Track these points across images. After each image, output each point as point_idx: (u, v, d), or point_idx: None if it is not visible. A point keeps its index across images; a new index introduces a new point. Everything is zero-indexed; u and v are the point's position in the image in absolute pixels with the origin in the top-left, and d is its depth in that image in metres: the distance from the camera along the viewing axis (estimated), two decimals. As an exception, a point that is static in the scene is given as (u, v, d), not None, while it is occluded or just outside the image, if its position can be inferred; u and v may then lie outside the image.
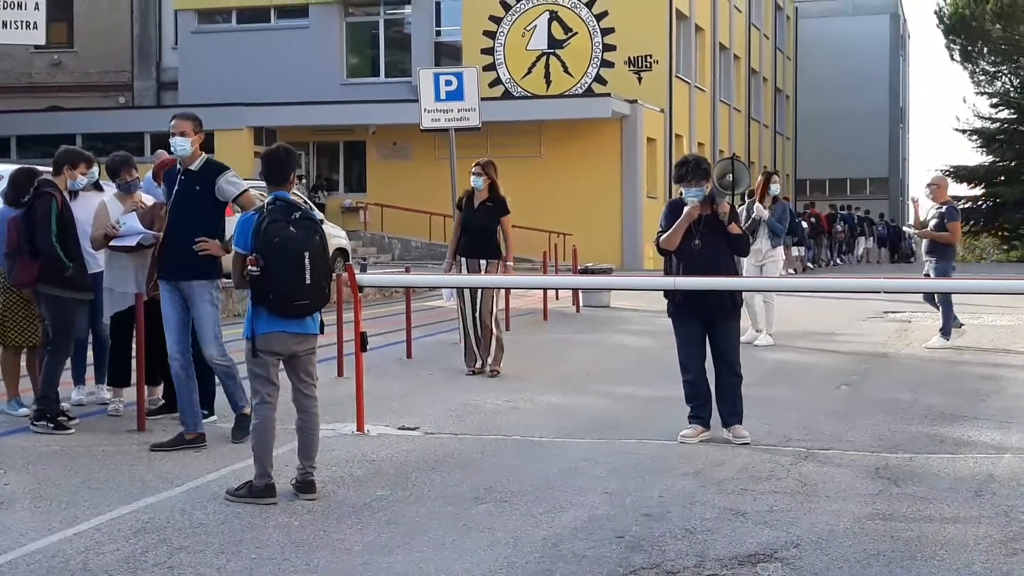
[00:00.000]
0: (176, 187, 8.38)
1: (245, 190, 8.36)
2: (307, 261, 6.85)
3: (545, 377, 12.26)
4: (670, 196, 35.75)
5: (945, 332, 14.49)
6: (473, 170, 12.25)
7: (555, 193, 33.97)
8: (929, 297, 14.64)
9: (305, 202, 10.41)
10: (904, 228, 16.04)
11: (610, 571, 5.67)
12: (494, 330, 12.23)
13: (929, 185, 14.84)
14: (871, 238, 49.51)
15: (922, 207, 15.05)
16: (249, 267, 6.84)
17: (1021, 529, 6.37)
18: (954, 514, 6.70)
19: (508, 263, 12.22)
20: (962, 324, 14.75)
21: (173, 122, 8.37)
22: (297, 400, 7.20)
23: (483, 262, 12.11)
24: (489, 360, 12.21)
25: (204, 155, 8.49)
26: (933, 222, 14.52)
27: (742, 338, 14.34)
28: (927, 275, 14.48)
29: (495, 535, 6.24)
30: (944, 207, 14.49)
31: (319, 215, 9.01)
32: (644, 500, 6.97)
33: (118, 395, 9.65)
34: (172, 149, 8.42)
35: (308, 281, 6.86)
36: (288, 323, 6.94)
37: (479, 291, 12.19)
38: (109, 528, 6.33)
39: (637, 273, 30.06)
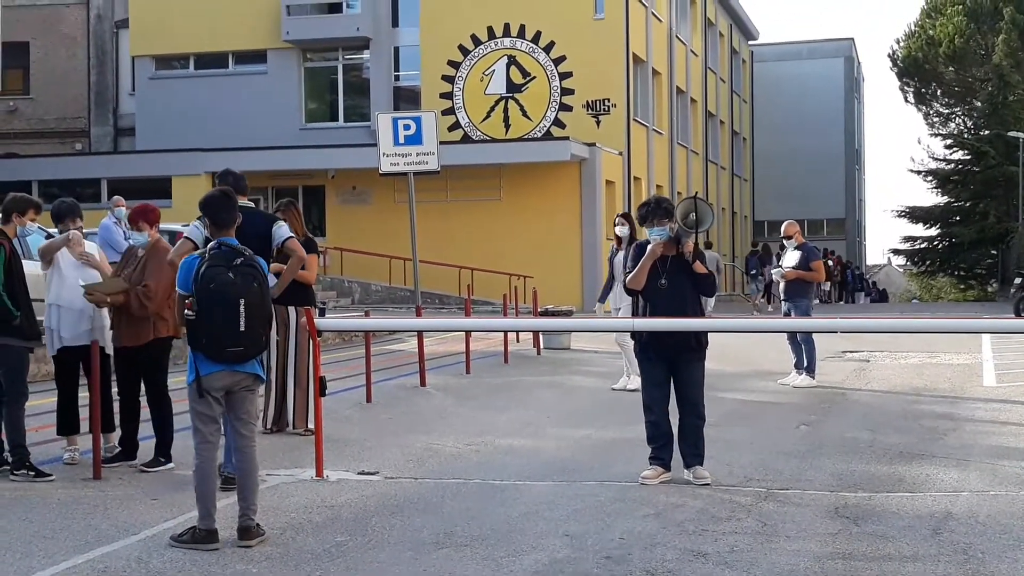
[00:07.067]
0: None
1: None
2: (242, 308, 6.80)
3: (505, 420, 12.23)
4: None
5: (811, 370, 14.79)
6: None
7: (515, 236, 34.04)
8: (792, 337, 14.88)
9: None
10: (772, 272, 16.61)
11: (571, 614, 5.64)
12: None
13: (786, 236, 15.47)
14: (868, 297, 53.90)
15: (786, 258, 15.38)
16: (185, 311, 6.83)
17: (979, 567, 6.40)
18: (913, 552, 6.73)
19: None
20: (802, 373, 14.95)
21: None
22: (233, 441, 7.12)
23: (291, 310, 10.69)
24: (292, 418, 10.98)
25: None
26: (793, 263, 14.98)
27: (616, 384, 14.51)
28: (787, 315, 14.97)
29: (455, 580, 6.20)
30: (804, 248, 15.17)
31: None
32: (605, 542, 6.95)
33: (72, 443, 9.52)
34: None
35: (242, 328, 6.82)
36: (227, 365, 6.92)
37: (291, 343, 10.83)
38: (64, 578, 6.25)
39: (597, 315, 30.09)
